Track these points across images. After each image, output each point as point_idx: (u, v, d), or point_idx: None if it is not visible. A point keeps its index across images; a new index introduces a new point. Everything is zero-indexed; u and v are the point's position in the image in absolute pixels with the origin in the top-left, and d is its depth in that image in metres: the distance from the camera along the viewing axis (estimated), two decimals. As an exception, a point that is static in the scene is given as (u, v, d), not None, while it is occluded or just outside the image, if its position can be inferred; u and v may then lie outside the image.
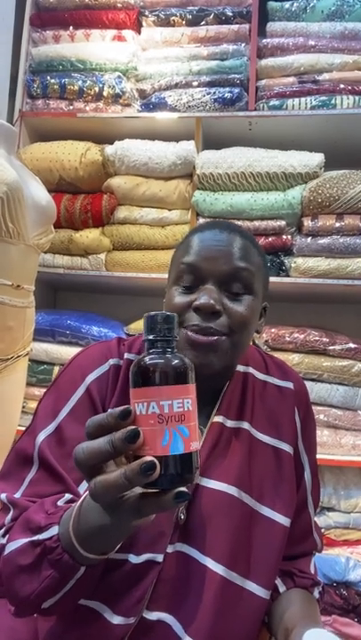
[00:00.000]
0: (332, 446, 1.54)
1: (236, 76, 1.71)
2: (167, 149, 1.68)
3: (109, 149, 1.70)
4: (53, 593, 0.52)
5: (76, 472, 0.44)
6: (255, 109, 1.69)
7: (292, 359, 1.59)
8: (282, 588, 0.73)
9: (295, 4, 1.73)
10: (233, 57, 1.74)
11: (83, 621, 0.62)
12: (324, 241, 1.58)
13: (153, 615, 0.61)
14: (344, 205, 1.57)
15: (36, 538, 0.53)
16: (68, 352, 1.68)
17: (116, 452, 0.41)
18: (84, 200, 1.72)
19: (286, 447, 0.73)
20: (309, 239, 1.60)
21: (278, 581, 0.73)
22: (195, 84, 1.73)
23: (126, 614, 0.61)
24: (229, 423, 0.72)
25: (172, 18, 1.80)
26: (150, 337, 0.45)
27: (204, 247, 0.68)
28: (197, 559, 0.63)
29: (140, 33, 1.84)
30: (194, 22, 1.79)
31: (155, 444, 0.41)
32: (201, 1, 1.79)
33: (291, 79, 1.70)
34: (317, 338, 1.60)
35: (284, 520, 0.69)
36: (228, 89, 1.70)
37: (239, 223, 1.62)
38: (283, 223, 1.61)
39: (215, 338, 0.64)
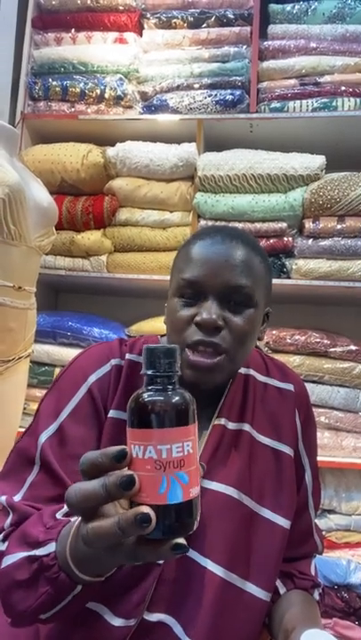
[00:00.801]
0: (334, 448, 1.54)
1: (238, 78, 1.72)
2: (169, 151, 1.68)
3: (111, 151, 1.71)
4: (50, 608, 0.51)
5: (77, 476, 0.42)
6: (256, 111, 1.70)
7: (293, 361, 1.59)
8: (282, 590, 0.73)
9: (296, 7, 1.73)
10: (234, 59, 1.74)
11: (83, 623, 0.62)
12: (325, 243, 1.58)
13: (153, 617, 0.61)
14: (345, 207, 1.57)
15: (33, 553, 0.52)
16: (69, 353, 1.68)
17: (111, 498, 0.39)
18: (86, 202, 1.72)
19: (287, 449, 0.73)
20: (311, 241, 1.60)
21: (278, 583, 0.73)
22: (196, 86, 1.74)
23: (127, 616, 0.61)
24: (231, 425, 0.72)
25: (174, 20, 1.80)
26: (149, 372, 0.42)
27: (205, 261, 0.67)
28: (197, 561, 0.63)
29: (141, 35, 1.84)
30: (195, 25, 1.79)
31: (151, 491, 0.39)
32: (202, 3, 1.79)
33: (292, 81, 1.70)
34: (318, 340, 1.60)
35: (284, 522, 0.69)
36: (229, 91, 1.70)
37: (240, 225, 1.63)
38: (284, 225, 1.61)
39: (216, 360, 0.64)
